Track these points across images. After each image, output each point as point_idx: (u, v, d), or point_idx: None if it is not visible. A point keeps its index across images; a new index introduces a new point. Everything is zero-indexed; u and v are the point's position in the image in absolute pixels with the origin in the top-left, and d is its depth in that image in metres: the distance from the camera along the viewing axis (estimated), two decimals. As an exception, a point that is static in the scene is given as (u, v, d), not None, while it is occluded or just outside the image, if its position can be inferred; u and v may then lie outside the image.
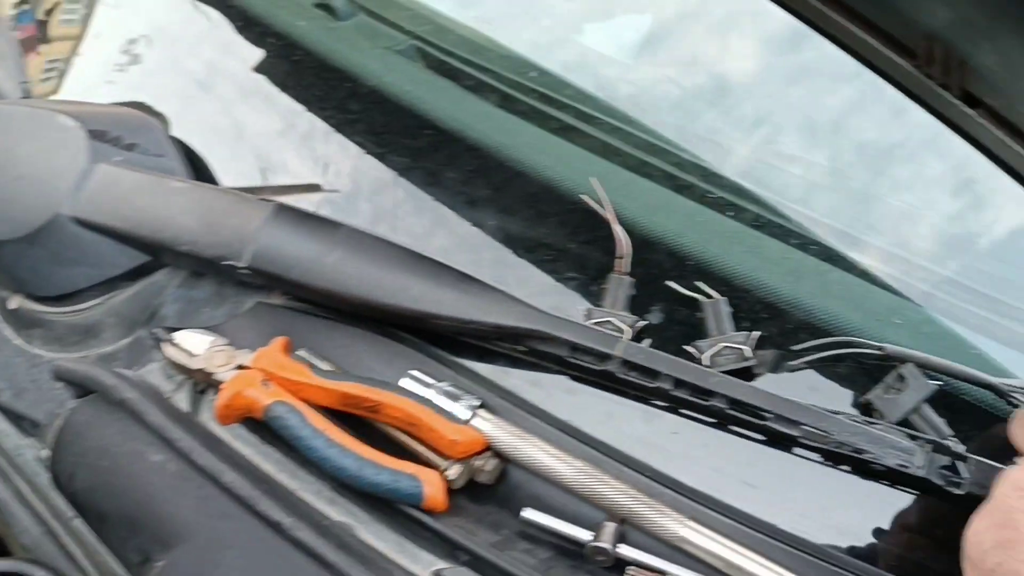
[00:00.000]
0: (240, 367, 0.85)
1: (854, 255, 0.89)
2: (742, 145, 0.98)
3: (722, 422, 0.81)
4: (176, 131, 1.14)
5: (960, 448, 0.75)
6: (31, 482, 1.00)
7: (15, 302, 1.06)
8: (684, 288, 0.86)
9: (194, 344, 0.86)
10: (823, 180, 0.94)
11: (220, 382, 0.84)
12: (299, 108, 1.11)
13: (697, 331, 0.86)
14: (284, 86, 1.13)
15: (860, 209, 0.92)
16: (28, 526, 0.97)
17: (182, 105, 1.17)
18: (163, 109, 1.18)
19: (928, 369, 0.76)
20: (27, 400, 1.00)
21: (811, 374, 0.85)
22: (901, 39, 0.54)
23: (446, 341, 0.90)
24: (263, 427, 0.85)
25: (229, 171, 1.10)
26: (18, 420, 1.01)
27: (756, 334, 0.83)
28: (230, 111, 1.14)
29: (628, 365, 0.81)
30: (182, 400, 0.89)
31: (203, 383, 0.87)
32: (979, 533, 0.58)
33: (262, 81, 1.16)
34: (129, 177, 1.01)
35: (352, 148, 1.05)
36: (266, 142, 1.09)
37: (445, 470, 0.81)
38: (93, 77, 1.24)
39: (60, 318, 1.03)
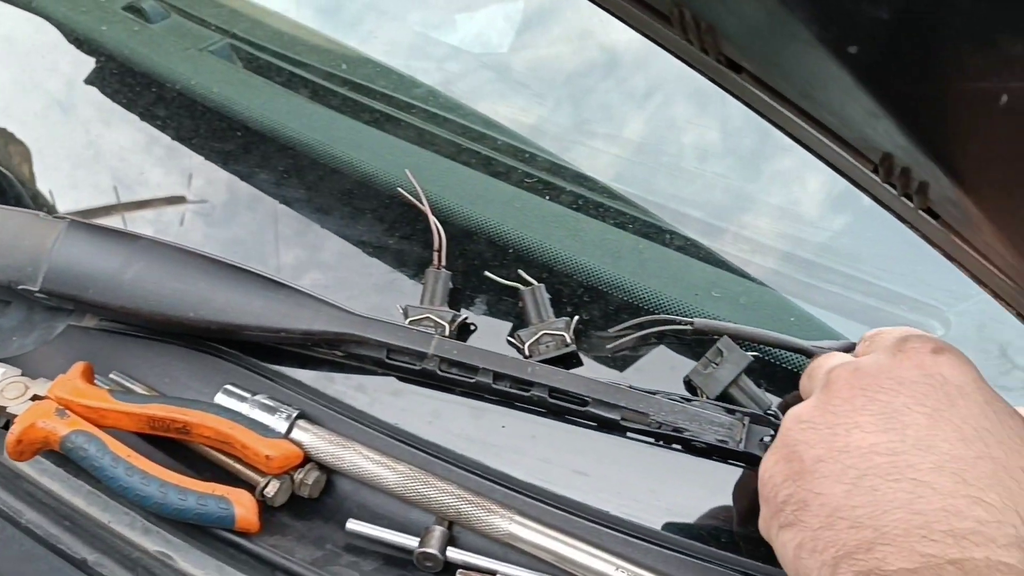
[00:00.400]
0: (35, 397, 0.79)
1: (672, 230, 0.87)
2: (559, 127, 0.96)
3: (547, 412, 0.79)
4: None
5: (779, 418, 0.74)
6: None
7: None
8: (502, 278, 0.84)
9: (-17, 377, 0.80)
10: (636, 158, 0.93)
11: (14, 416, 0.78)
12: (104, 117, 1.04)
13: (521, 320, 0.84)
14: (88, 95, 1.06)
15: (673, 184, 0.91)
16: None
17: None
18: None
19: (739, 339, 0.76)
20: None
21: (639, 356, 0.83)
22: (652, 3, 0.52)
23: (266, 350, 0.85)
24: (70, 460, 0.80)
25: (30, 188, 1.03)
26: None
27: (575, 319, 0.81)
28: (31, 125, 1.07)
29: (446, 362, 0.79)
30: (-22, 440, 0.83)
31: (2, 418, 0.81)
32: (768, 469, 0.58)
33: (67, 91, 1.10)
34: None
35: (160, 156, 1.00)
36: (67, 157, 1.03)
37: (264, 488, 0.77)
38: None
39: None
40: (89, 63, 1.10)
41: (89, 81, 1.08)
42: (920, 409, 0.51)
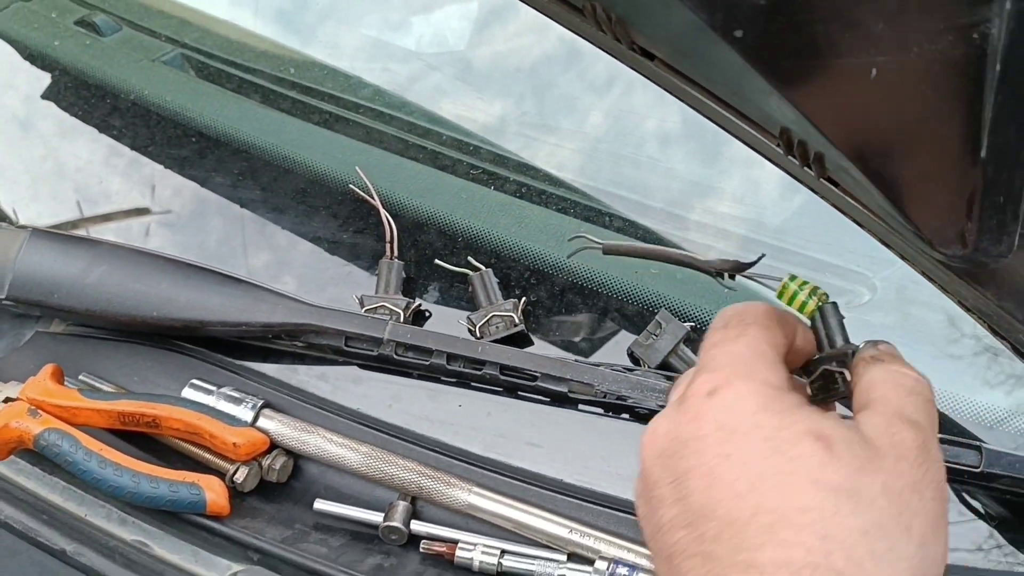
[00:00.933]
0: (7, 400, 0.82)
1: (611, 212, 0.92)
2: (503, 120, 1.01)
3: (501, 390, 0.83)
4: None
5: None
6: None
7: None
8: (452, 264, 0.88)
9: (-46, 382, 0.84)
10: (576, 145, 0.98)
11: (-13, 418, 0.81)
12: (61, 130, 1.08)
13: (472, 304, 0.88)
14: (44, 109, 1.09)
15: (612, 170, 0.96)
16: None
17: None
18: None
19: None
20: None
21: (584, 333, 0.88)
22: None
23: (229, 346, 0.89)
24: (45, 458, 0.83)
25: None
26: None
27: (523, 300, 0.85)
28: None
29: (402, 347, 0.83)
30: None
31: (-27, 422, 0.84)
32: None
33: (23, 106, 1.13)
34: None
35: (117, 165, 1.03)
36: (26, 170, 1.06)
37: (233, 474, 0.81)
38: None
39: None
40: (44, 78, 1.13)
41: (45, 96, 1.11)
42: (699, 472, 0.47)
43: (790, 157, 0.58)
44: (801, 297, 0.57)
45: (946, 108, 0.43)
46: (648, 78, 0.64)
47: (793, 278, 0.58)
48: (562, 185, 0.94)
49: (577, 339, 0.88)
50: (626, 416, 0.83)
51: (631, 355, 0.83)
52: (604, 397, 0.79)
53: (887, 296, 0.89)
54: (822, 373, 0.54)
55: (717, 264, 0.68)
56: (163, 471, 0.78)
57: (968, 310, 0.67)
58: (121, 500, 0.78)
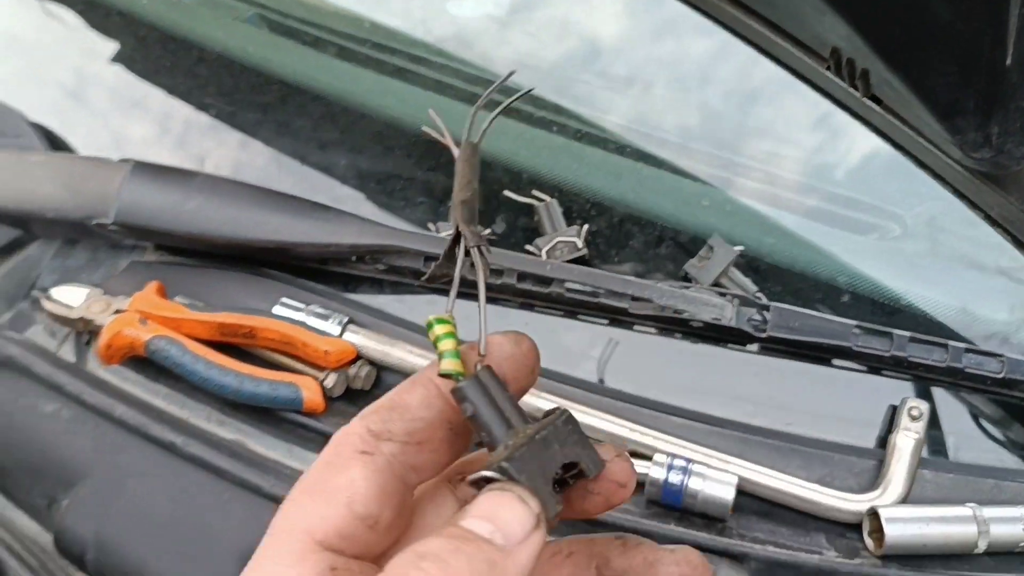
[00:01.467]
0: (118, 311, 0.91)
1: (664, 154, 1.00)
2: (562, 68, 1.09)
3: (563, 310, 0.91)
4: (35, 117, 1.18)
5: (763, 300, 0.87)
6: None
7: None
8: (520, 195, 0.96)
9: (72, 296, 0.92)
10: (629, 91, 1.06)
11: (100, 327, 0.90)
12: (149, 80, 1.16)
13: (537, 234, 0.96)
14: (132, 60, 1.18)
15: (662, 114, 1.04)
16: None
17: (36, 91, 1.21)
18: (18, 98, 1.21)
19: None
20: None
21: (643, 260, 0.96)
22: None
23: (313, 273, 0.97)
24: (148, 366, 0.92)
25: (90, 148, 1.14)
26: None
27: (585, 227, 0.93)
28: (85, 89, 1.19)
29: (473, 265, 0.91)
30: (68, 352, 0.95)
31: (85, 331, 0.93)
32: None
33: (112, 59, 1.21)
34: (-9, 157, 1.06)
35: (206, 108, 1.12)
36: (121, 115, 1.15)
37: (323, 380, 0.89)
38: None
39: (-62, 301, 1.07)
40: (134, 33, 1.21)
41: (135, 49, 1.20)
42: None
43: (836, 78, 0.66)
44: (442, 347, 0.46)
45: (976, 18, 0.51)
46: (696, 7, 0.71)
47: (442, 320, 0.48)
48: (616, 131, 1.02)
49: (635, 263, 0.96)
50: (678, 334, 0.91)
51: (685, 276, 0.91)
52: (662, 311, 0.87)
53: (918, 230, 0.96)
54: (478, 480, 0.44)
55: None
56: (263, 372, 0.87)
57: (994, 223, 0.74)
58: (225, 398, 0.87)
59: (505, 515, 0.41)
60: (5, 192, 1.02)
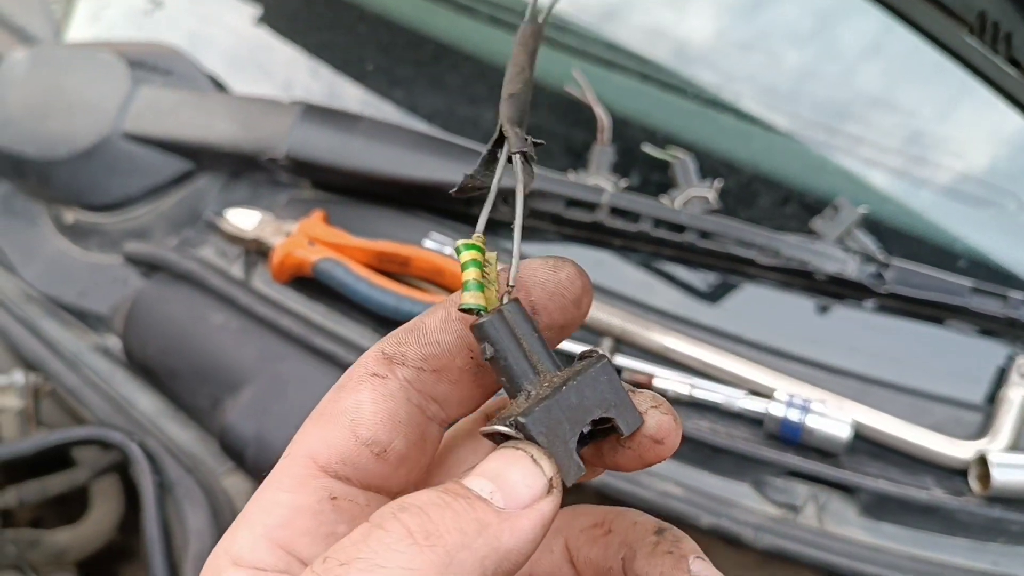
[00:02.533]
0: (288, 234, 1.00)
1: (786, 124, 1.07)
2: (696, 40, 1.16)
3: (694, 256, 0.98)
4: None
5: (883, 257, 0.93)
6: (94, 369, 1.14)
7: (71, 217, 1.21)
8: (655, 150, 1.03)
9: (245, 219, 1.02)
10: (760, 62, 1.12)
11: (271, 249, 0.99)
12: (310, 34, 1.27)
13: (670, 188, 1.03)
14: (294, 17, 1.29)
15: (790, 88, 1.10)
16: (99, 404, 1.11)
17: (205, 44, 1.32)
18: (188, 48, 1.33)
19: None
20: (91, 298, 1.15)
21: (770, 218, 1.03)
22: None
23: (456, 215, 1.06)
24: (309, 287, 1.01)
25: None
26: (83, 317, 1.16)
27: (719, 182, 1.00)
28: (247, 43, 1.29)
29: (613, 212, 0.98)
30: (237, 270, 1.05)
31: (254, 252, 1.03)
32: None
33: (274, 15, 1.32)
34: (170, 96, 1.17)
35: (364, 63, 1.22)
36: (282, 66, 1.25)
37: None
38: (120, 21, 1.39)
39: (115, 225, 1.18)
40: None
41: (294, 6, 1.30)
42: None
43: (976, 43, 0.71)
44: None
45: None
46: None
47: (471, 246, 0.41)
48: (744, 99, 1.09)
49: (763, 219, 1.02)
50: (799, 287, 0.97)
51: (810, 231, 0.97)
52: (788, 263, 0.93)
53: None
54: (492, 433, 0.40)
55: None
56: (419, 293, 0.96)
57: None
58: (383, 316, 0.96)
59: (511, 476, 0.37)
60: (184, 127, 1.13)
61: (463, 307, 0.39)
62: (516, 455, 0.38)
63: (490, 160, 0.45)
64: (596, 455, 0.42)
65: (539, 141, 0.45)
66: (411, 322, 0.42)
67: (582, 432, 0.38)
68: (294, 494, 0.40)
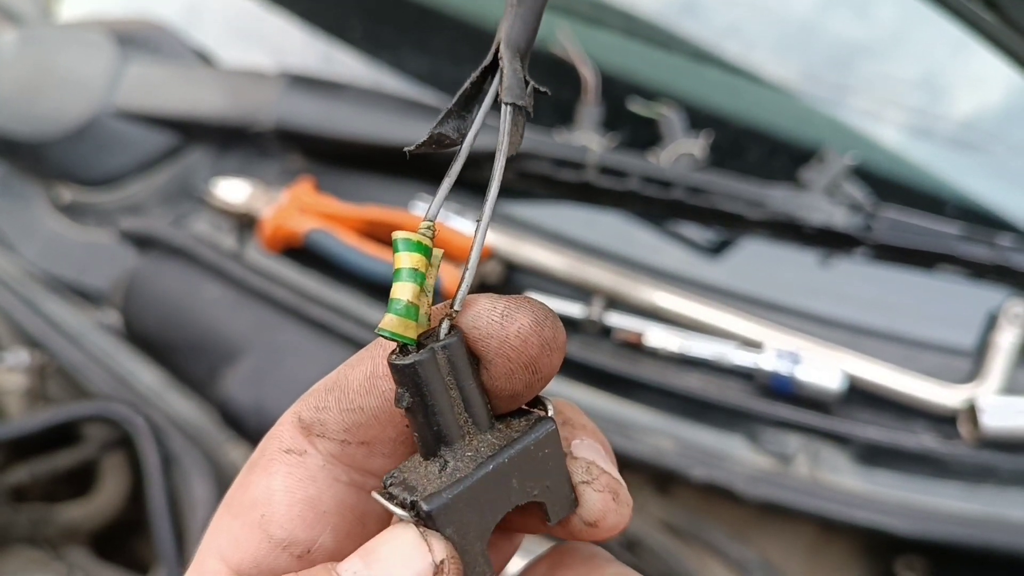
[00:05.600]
0: (278, 204, 1.01)
1: (773, 75, 1.06)
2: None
3: (683, 213, 0.98)
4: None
5: (871, 206, 0.93)
6: (97, 344, 1.16)
7: (68, 196, 1.22)
8: (642, 106, 1.03)
9: (235, 189, 1.03)
10: (744, 14, 1.12)
11: (261, 218, 1.00)
12: (299, 2, 1.26)
13: (658, 144, 1.03)
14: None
15: (776, 39, 1.09)
16: (103, 379, 1.13)
17: (198, 16, 1.32)
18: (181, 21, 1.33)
19: None
20: (91, 275, 1.16)
21: (758, 171, 1.02)
22: None
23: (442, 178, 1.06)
24: (301, 257, 1.02)
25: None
26: (84, 294, 1.17)
27: (706, 137, 1.00)
28: (237, 13, 1.29)
29: (601, 171, 0.98)
30: (230, 243, 1.06)
31: (246, 222, 1.03)
32: None
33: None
34: (157, 71, 1.17)
35: (350, 27, 1.21)
36: (274, 34, 1.25)
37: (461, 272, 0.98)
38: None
39: (111, 203, 1.19)
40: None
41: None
42: None
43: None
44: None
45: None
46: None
47: (410, 243, 0.34)
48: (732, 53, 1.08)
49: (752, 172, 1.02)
50: (789, 239, 0.97)
51: (797, 182, 0.97)
52: (774, 217, 0.93)
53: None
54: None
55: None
56: (409, 260, 0.96)
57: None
58: (375, 282, 0.96)
59: (387, 556, 0.31)
60: (173, 102, 1.14)
61: (381, 332, 0.31)
62: (401, 532, 0.31)
63: (470, 97, 0.34)
64: (520, 523, 0.34)
65: (542, 89, 0.35)
66: (333, 375, 0.34)
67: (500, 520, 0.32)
68: None
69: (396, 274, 0.32)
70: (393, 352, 0.32)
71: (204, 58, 1.26)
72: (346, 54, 1.20)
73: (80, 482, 1.20)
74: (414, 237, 0.32)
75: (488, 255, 0.98)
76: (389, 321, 0.31)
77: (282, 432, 0.34)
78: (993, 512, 0.84)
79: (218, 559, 0.33)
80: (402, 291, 0.31)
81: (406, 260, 0.32)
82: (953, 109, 1.03)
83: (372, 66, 1.18)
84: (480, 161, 1.01)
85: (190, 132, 1.15)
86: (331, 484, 0.33)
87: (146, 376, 1.10)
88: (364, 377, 0.33)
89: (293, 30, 1.25)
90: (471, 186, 1.05)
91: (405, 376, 0.31)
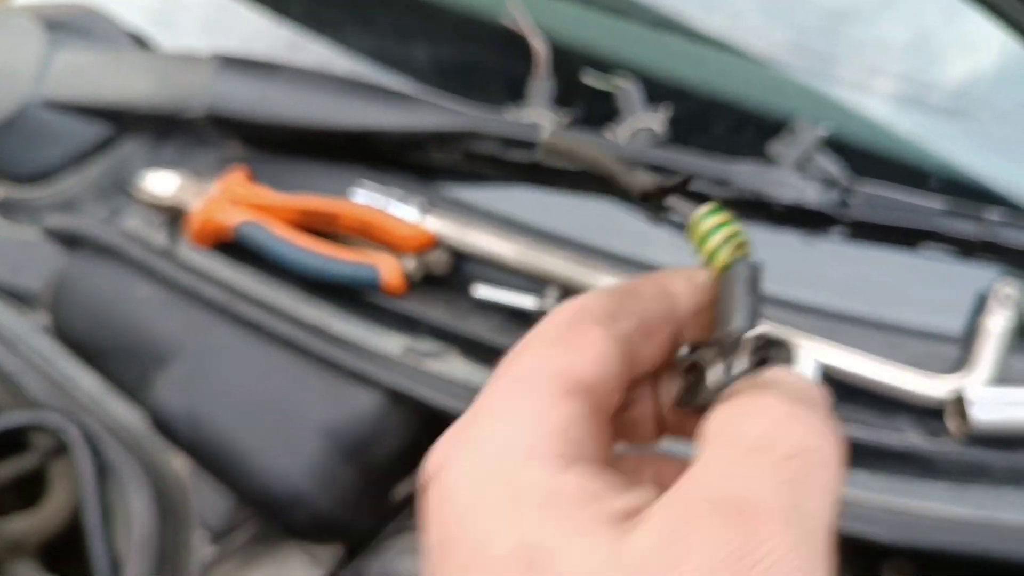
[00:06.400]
0: (208, 197, 0.94)
1: (739, 42, 0.98)
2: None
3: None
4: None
5: (846, 181, 0.85)
6: (35, 349, 1.09)
7: (1, 193, 1.15)
8: (597, 80, 0.95)
9: (164, 182, 0.95)
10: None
11: (191, 212, 0.93)
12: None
13: (615, 119, 0.95)
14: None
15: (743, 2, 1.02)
16: (39, 386, 1.06)
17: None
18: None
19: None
20: (25, 275, 1.09)
21: (724, 147, 0.95)
22: None
23: (390, 163, 0.99)
24: (235, 251, 0.95)
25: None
26: (17, 296, 1.10)
27: (665, 110, 0.92)
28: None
29: (553, 154, 0.91)
30: (160, 239, 0.99)
31: (177, 216, 0.96)
32: None
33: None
34: (87, 58, 1.10)
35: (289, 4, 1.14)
36: (204, 14, 1.18)
37: (403, 262, 0.90)
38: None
39: (44, 199, 1.12)
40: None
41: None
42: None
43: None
44: (713, 242, 0.44)
45: None
46: None
47: (715, 211, 0.45)
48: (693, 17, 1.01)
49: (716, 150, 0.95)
50: (761, 218, 0.90)
51: (767, 157, 0.89)
52: (741, 195, 0.85)
53: (1012, 116, 0.93)
54: (691, 364, 0.42)
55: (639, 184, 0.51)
56: (344, 252, 0.89)
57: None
58: (308, 277, 0.89)
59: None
60: (104, 91, 1.06)
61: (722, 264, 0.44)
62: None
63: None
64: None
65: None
66: (624, 285, 0.44)
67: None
68: (556, 411, 0.38)
69: (714, 230, 0.44)
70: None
71: (140, 42, 1.18)
72: (314, 41, 1.12)
73: (29, 492, 1.14)
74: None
75: (432, 244, 0.90)
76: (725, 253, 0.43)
77: (594, 309, 0.41)
78: (985, 515, 0.76)
79: (555, 376, 0.39)
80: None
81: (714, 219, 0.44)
82: (941, 75, 0.95)
83: (340, 51, 1.10)
84: (423, 144, 0.94)
85: (123, 122, 1.08)
86: (624, 354, 0.41)
87: (87, 381, 1.04)
88: (655, 290, 0.44)
89: (231, 9, 1.18)
90: (416, 170, 0.98)
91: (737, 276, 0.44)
